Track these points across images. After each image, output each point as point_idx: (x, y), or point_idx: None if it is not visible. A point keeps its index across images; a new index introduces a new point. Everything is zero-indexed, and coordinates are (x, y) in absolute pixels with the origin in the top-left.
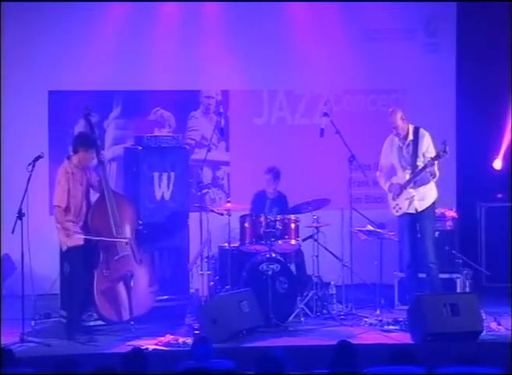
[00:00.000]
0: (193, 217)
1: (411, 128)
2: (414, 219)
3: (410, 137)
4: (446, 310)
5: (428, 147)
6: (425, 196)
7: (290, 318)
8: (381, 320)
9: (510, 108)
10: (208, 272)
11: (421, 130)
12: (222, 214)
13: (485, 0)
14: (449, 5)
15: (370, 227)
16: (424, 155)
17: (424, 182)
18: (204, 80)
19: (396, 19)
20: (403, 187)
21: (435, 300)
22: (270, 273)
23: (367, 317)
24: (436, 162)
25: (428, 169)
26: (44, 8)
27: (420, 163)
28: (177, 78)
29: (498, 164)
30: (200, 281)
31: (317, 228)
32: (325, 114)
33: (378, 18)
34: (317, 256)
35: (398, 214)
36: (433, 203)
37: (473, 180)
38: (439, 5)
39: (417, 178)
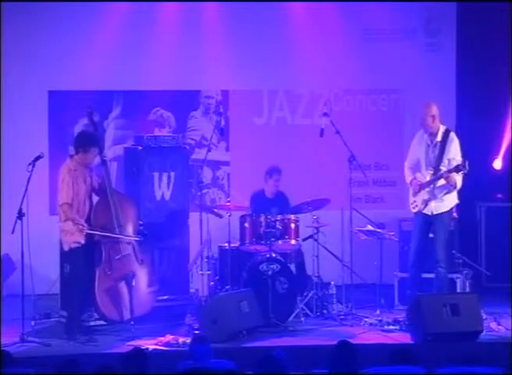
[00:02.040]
0: (193, 217)
1: (442, 129)
2: (427, 221)
3: (439, 138)
4: (446, 310)
5: (455, 154)
6: (443, 200)
7: (290, 318)
8: (381, 320)
9: (510, 108)
10: (208, 272)
11: (452, 134)
12: (221, 216)
13: (485, 0)
14: (449, 5)
15: (370, 227)
16: (449, 161)
17: (444, 189)
18: (204, 80)
19: (396, 19)
20: (421, 187)
21: (435, 300)
22: (270, 273)
23: (367, 317)
24: (456, 174)
25: (445, 179)
26: (44, 8)
27: (443, 168)
28: (177, 78)
29: (498, 164)
30: (200, 281)
31: (317, 228)
32: (325, 114)
33: (378, 18)
34: (317, 256)
35: (414, 211)
36: (451, 209)
37: (473, 180)
38: (438, 5)
39: (436, 183)
